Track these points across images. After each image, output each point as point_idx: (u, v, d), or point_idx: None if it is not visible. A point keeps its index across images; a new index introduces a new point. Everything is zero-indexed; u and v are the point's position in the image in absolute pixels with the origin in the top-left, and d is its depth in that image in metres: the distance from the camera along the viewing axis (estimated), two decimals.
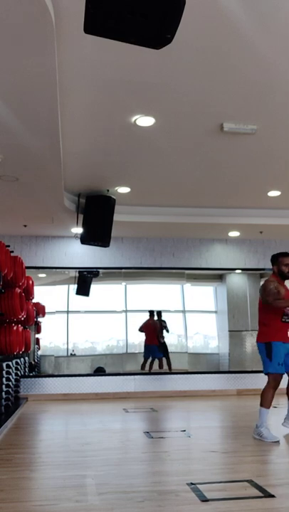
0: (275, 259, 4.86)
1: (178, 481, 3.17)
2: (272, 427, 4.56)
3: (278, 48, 3.51)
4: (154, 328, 9.13)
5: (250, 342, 9.26)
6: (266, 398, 4.47)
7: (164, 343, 9.18)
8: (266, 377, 4.59)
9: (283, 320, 4.64)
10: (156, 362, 9.04)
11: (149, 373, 8.58)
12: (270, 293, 4.62)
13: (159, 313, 9.26)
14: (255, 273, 9.32)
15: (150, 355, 9.06)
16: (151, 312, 9.17)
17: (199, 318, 9.70)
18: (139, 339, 9.20)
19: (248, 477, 3.21)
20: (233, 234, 8.59)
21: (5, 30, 2.93)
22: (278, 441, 4.32)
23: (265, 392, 4.50)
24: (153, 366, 8.99)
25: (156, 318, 9.23)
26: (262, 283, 4.89)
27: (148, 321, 9.19)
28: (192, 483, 3.08)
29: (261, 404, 4.48)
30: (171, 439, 4.59)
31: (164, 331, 9.19)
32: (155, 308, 9.27)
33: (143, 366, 8.92)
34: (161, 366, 8.96)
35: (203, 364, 9.59)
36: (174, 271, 8.90)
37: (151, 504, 2.76)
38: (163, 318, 9.29)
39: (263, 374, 4.69)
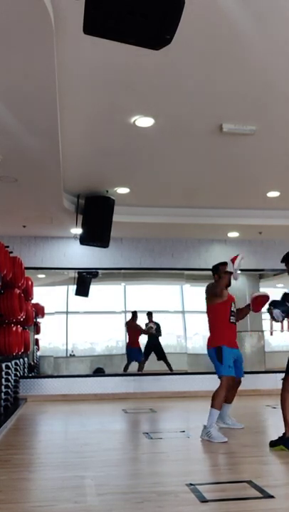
0: (217, 268, 5.07)
1: (177, 482, 3.16)
2: (273, 427, 4.56)
3: (277, 48, 3.51)
4: (134, 329, 9.07)
5: (250, 343, 9.26)
6: (218, 400, 4.59)
7: (158, 344, 9.11)
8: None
9: (231, 321, 4.88)
10: (155, 362, 8.95)
11: (149, 374, 8.57)
12: (216, 287, 4.86)
13: (150, 314, 9.20)
14: (254, 274, 9.32)
15: (129, 358, 8.97)
16: (133, 313, 9.12)
17: (198, 319, 9.65)
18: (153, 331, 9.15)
19: (248, 478, 3.21)
20: (233, 234, 8.59)
21: (4, 30, 2.93)
22: (226, 441, 4.39)
23: (216, 394, 4.62)
24: (144, 367, 8.92)
25: (153, 319, 9.18)
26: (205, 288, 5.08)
27: (129, 322, 9.11)
28: (191, 484, 3.07)
29: (212, 406, 4.57)
30: (171, 440, 4.59)
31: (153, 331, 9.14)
32: (152, 308, 9.21)
33: (125, 369, 8.88)
34: (140, 369, 8.88)
35: (202, 365, 9.55)
36: (173, 271, 8.89)
37: (150, 505, 2.75)
38: (157, 320, 9.20)
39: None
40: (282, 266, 4.58)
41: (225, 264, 5.07)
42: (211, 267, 5.19)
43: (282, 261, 4.50)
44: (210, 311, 5.00)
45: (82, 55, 3.52)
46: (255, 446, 4.26)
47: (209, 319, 5.01)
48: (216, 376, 4.80)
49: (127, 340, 9.06)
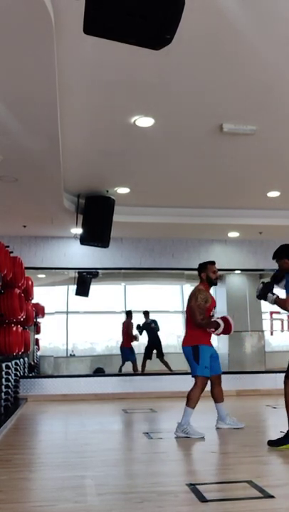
0: (204, 266, 5.10)
1: (177, 482, 3.17)
2: (273, 427, 4.56)
3: (278, 48, 3.51)
4: (127, 330, 9.07)
5: (250, 343, 9.26)
6: (193, 399, 4.63)
7: (159, 343, 9.10)
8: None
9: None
10: (155, 362, 8.94)
11: (149, 374, 8.57)
12: (199, 310, 4.82)
13: (146, 313, 9.18)
14: (254, 273, 9.32)
15: (122, 358, 8.99)
16: (128, 313, 9.11)
17: None
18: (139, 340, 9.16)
19: (248, 478, 3.21)
20: (233, 234, 8.59)
21: (4, 30, 2.93)
22: (204, 437, 4.44)
23: (192, 394, 4.64)
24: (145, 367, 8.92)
25: (150, 318, 9.16)
26: (192, 290, 5.08)
27: (124, 322, 9.11)
28: (191, 484, 3.07)
29: (187, 404, 4.61)
30: (171, 440, 4.58)
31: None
32: (152, 308, 9.19)
33: (120, 369, 8.91)
34: (134, 369, 8.88)
35: None
36: (173, 271, 8.89)
37: (150, 505, 2.75)
38: (154, 318, 9.17)
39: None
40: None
41: (213, 263, 5.10)
42: None
43: (273, 257, 4.53)
44: (189, 311, 4.96)
45: (82, 55, 3.52)
46: (255, 446, 4.26)
47: (187, 317, 4.99)
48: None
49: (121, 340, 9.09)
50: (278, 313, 9.13)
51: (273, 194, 6.85)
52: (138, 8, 2.30)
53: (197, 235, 8.67)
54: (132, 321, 9.08)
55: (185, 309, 5.09)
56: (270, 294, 4.36)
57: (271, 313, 9.00)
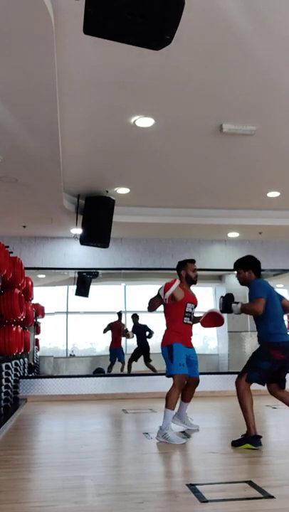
0: (184, 264, 5.06)
1: (177, 482, 3.17)
2: (273, 428, 4.55)
3: (277, 49, 3.52)
4: (118, 330, 9.07)
5: (250, 343, 9.25)
6: (172, 400, 4.49)
7: (147, 347, 9.10)
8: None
9: (185, 321, 4.83)
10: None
11: (149, 374, 8.56)
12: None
13: (135, 316, 9.16)
14: None
15: (113, 358, 8.99)
16: (119, 313, 9.10)
17: None
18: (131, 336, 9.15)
19: (248, 478, 3.21)
20: (233, 235, 8.59)
21: (4, 31, 2.93)
22: (185, 443, 4.32)
23: (170, 394, 4.53)
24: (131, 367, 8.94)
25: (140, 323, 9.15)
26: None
27: (115, 322, 9.11)
28: (192, 484, 3.07)
29: (166, 406, 4.48)
30: None
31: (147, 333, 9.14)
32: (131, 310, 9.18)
33: (109, 369, 8.91)
34: (122, 369, 8.89)
35: (202, 365, 9.54)
36: (173, 272, 8.85)
37: (150, 505, 2.75)
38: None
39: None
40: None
41: (193, 261, 5.08)
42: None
43: (234, 267, 4.57)
44: (165, 311, 4.92)
45: (82, 55, 3.52)
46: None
47: (165, 318, 4.94)
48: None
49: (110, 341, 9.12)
50: None
51: (273, 194, 6.85)
52: (138, 8, 2.30)
53: (197, 235, 8.67)
54: (123, 321, 9.11)
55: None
56: (233, 304, 4.37)
57: None
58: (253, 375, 4.13)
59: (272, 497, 2.84)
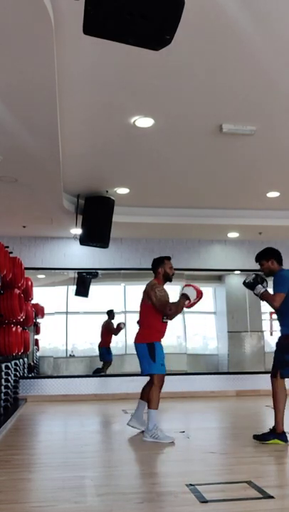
0: (161, 261, 4.95)
1: (177, 482, 3.16)
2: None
3: (277, 49, 3.52)
4: (106, 330, 9.05)
5: (250, 343, 9.26)
6: (155, 399, 4.52)
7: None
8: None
9: (164, 320, 4.79)
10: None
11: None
12: (165, 303, 4.72)
13: (110, 313, 9.14)
14: None
15: (100, 358, 8.97)
16: (108, 312, 9.07)
17: (198, 319, 9.69)
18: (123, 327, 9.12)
19: (247, 478, 3.21)
20: (232, 235, 8.59)
21: (4, 31, 2.93)
22: (173, 442, 4.37)
23: (153, 394, 4.54)
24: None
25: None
26: (145, 288, 4.91)
27: (105, 321, 9.09)
28: (191, 485, 3.07)
29: (150, 407, 4.50)
30: None
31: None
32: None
33: (99, 370, 8.88)
34: (105, 370, 8.83)
35: (202, 365, 9.58)
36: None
37: (150, 505, 2.76)
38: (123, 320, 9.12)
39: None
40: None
41: (169, 258, 4.98)
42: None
43: (256, 260, 4.61)
44: (144, 309, 4.85)
45: (82, 55, 3.52)
46: (254, 446, 4.26)
47: (141, 315, 4.88)
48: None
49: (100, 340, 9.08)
50: None
51: (273, 194, 6.85)
52: (138, 8, 2.30)
53: (197, 236, 8.67)
54: (113, 321, 9.06)
55: (139, 306, 4.91)
56: (259, 285, 4.40)
57: (271, 313, 8.99)
58: (285, 370, 4.24)
59: (272, 497, 2.84)
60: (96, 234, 6.87)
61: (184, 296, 4.73)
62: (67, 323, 9.13)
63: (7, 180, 5.57)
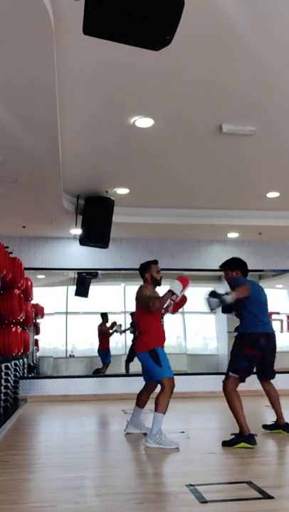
0: (147, 266, 4.81)
1: (177, 483, 3.16)
2: None
3: (277, 49, 3.52)
4: (101, 333, 9.06)
5: None
6: (164, 404, 4.35)
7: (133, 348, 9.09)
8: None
9: (161, 323, 4.71)
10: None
11: None
12: (148, 298, 4.53)
13: (104, 315, 9.16)
14: (254, 274, 9.30)
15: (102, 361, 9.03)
16: (103, 315, 9.08)
17: (198, 320, 9.69)
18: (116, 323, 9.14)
19: (247, 478, 3.21)
20: (232, 235, 8.59)
21: (4, 31, 2.93)
22: (178, 448, 4.22)
23: (163, 398, 4.36)
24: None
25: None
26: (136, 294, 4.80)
27: (99, 325, 9.11)
28: (191, 485, 3.07)
29: (158, 410, 4.33)
30: None
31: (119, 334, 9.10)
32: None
33: (97, 371, 8.92)
34: (103, 371, 8.85)
35: (202, 365, 9.58)
36: (172, 272, 8.87)
37: (150, 506, 2.75)
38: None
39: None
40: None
41: (156, 262, 4.84)
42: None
43: (221, 268, 4.64)
44: (139, 315, 4.73)
45: (81, 55, 3.52)
46: (254, 447, 4.25)
47: (138, 323, 4.75)
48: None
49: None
50: (278, 313, 9.13)
51: (273, 194, 6.85)
52: (138, 8, 2.30)
53: (197, 236, 8.67)
54: (107, 324, 9.09)
55: (135, 315, 4.72)
56: (223, 296, 4.37)
57: (270, 313, 8.99)
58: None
59: (272, 497, 2.84)
60: (96, 234, 6.87)
61: (169, 292, 4.53)
62: (67, 324, 9.13)
63: (7, 180, 5.57)
